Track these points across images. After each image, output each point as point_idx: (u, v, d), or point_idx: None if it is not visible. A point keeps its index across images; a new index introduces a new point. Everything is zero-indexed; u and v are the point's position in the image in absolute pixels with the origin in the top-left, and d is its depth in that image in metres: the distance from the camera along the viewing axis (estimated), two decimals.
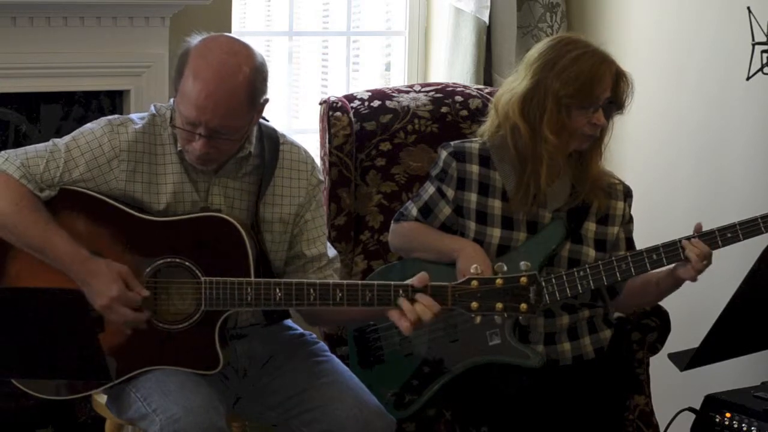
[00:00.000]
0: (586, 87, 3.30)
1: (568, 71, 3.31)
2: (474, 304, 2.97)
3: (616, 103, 3.36)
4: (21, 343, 2.61)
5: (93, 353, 2.63)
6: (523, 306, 2.95)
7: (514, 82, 3.40)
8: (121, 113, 3.98)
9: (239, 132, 3.05)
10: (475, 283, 2.97)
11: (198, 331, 3.07)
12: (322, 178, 3.28)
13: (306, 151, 3.27)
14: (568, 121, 3.32)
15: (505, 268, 2.99)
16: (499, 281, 2.96)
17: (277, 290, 3.04)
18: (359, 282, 3.06)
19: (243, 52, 3.03)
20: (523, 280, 2.95)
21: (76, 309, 2.58)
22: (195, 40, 3.07)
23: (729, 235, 3.31)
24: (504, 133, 3.40)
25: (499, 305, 2.96)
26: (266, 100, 3.08)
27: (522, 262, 2.99)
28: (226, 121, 3.00)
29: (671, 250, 3.32)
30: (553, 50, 3.36)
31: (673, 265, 3.34)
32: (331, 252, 3.28)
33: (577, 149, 3.38)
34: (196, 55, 3.02)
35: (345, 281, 3.06)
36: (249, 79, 3.01)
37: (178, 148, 3.11)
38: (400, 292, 3.00)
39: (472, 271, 2.99)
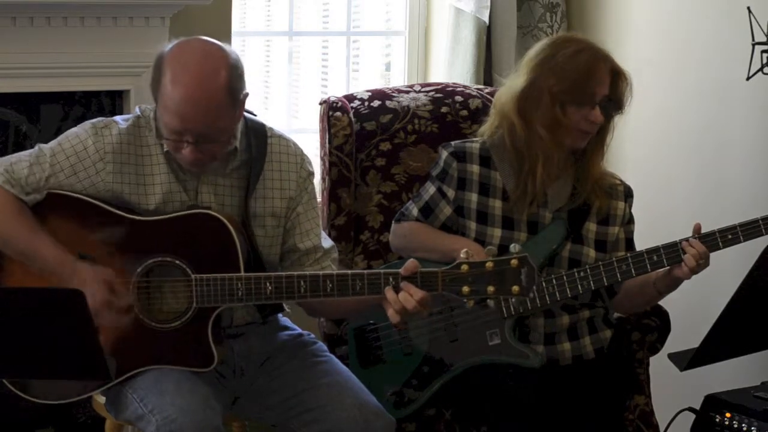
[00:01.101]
0: (580, 83, 3.31)
1: (564, 67, 3.32)
2: (465, 289, 2.96)
3: (615, 102, 3.36)
4: (20, 344, 2.61)
5: (93, 353, 2.62)
6: (515, 288, 2.93)
7: (513, 81, 3.41)
8: (121, 113, 3.98)
9: (226, 132, 3.06)
10: (465, 267, 2.95)
11: (191, 328, 3.08)
12: (312, 169, 3.27)
13: (295, 144, 3.27)
14: (563, 117, 3.32)
15: (496, 251, 2.98)
16: (489, 264, 2.94)
17: (268, 284, 3.04)
18: (349, 272, 3.06)
19: (216, 53, 3.03)
20: (514, 262, 2.93)
21: (76, 309, 2.57)
22: (167, 47, 3.06)
23: (730, 236, 3.31)
24: (503, 131, 3.41)
25: (491, 288, 2.94)
26: (246, 95, 3.08)
27: (512, 245, 2.98)
28: (212, 125, 3.00)
29: (672, 252, 3.32)
30: (550, 48, 3.37)
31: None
32: (327, 243, 3.27)
33: (573, 147, 3.38)
34: (171, 64, 3.01)
35: (335, 272, 3.06)
36: (227, 79, 3.00)
37: (165, 149, 3.10)
38: (390, 280, 3.00)
39: (462, 255, 2.98)
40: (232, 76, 3.01)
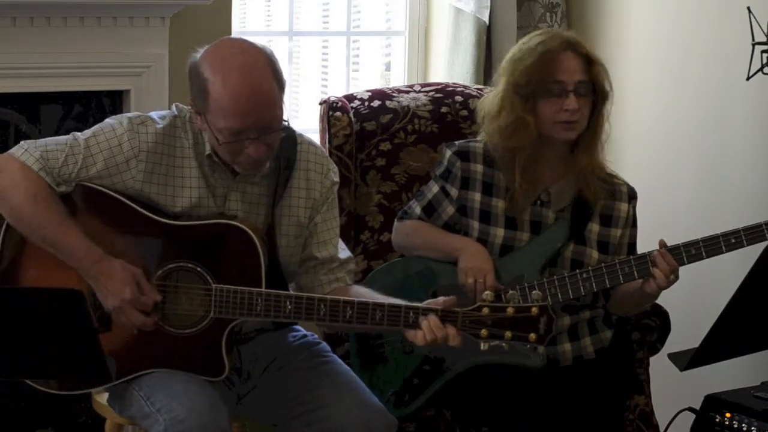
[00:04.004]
0: (540, 73, 3.29)
1: (524, 61, 3.31)
2: (483, 332, 2.95)
3: (597, 87, 3.33)
4: (21, 344, 2.61)
5: (93, 353, 2.62)
6: (532, 336, 2.93)
7: (495, 86, 3.43)
8: (121, 113, 3.97)
9: (281, 120, 3.04)
10: (486, 310, 2.95)
11: (205, 337, 3.06)
12: (336, 179, 3.25)
13: (323, 151, 3.26)
14: (528, 114, 3.29)
15: (518, 296, 2.98)
16: (510, 310, 2.94)
17: (288, 303, 3.02)
18: (370, 301, 3.03)
19: (250, 46, 3.05)
20: (534, 310, 2.93)
21: (76, 309, 2.57)
22: (197, 56, 3.05)
23: (733, 240, 3.31)
24: (487, 136, 3.42)
25: (508, 334, 2.94)
26: (285, 80, 3.08)
27: (534, 292, 2.99)
28: (271, 114, 3.00)
29: (675, 254, 3.31)
30: (517, 46, 3.39)
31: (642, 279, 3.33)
32: (344, 254, 3.25)
33: (562, 138, 3.34)
34: (211, 68, 2.99)
35: (356, 299, 3.04)
36: (270, 67, 3.01)
37: (207, 152, 3.09)
38: (411, 314, 2.99)
39: (483, 297, 2.97)
40: (273, 63, 3.03)
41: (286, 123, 3.13)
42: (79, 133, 3.12)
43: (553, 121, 3.31)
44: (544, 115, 3.31)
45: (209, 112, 3.01)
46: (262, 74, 2.99)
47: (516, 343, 2.95)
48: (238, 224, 3.07)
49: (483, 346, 2.96)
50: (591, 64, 3.33)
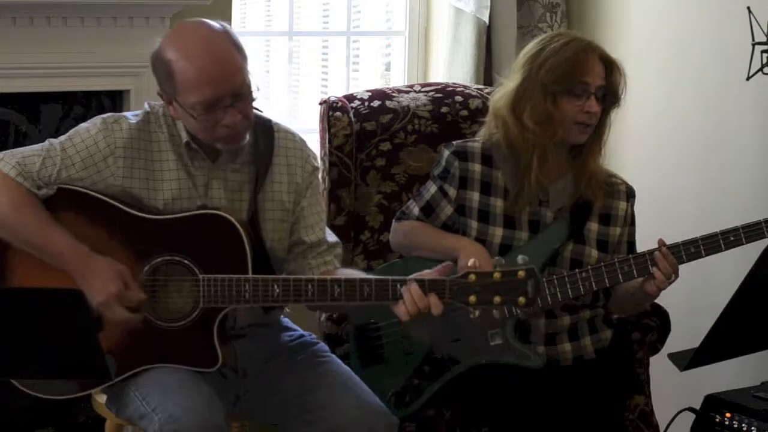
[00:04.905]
0: (569, 72, 3.31)
1: (551, 59, 3.33)
2: (472, 298, 2.96)
3: (612, 93, 3.35)
4: (20, 344, 2.61)
5: (92, 352, 2.62)
6: (522, 300, 2.94)
7: (506, 84, 3.43)
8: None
9: (250, 87, 3.06)
10: (472, 277, 2.96)
11: (197, 328, 3.08)
12: (316, 164, 3.28)
13: (301, 138, 3.28)
14: (555, 110, 3.32)
15: (503, 261, 2.98)
16: (496, 275, 2.95)
17: (275, 286, 3.04)
18: (357, 278, 3.06)
19: (204, 21, 3.10)
20: (521, 273, 2.94)
21: (76, 309, 2.58)
22: (156, 46, 3.09)
23: (732, 238, 3.31)
24: (498, 133, 3.41)
25: (498, 299, 2.95)
26: (245, 52, 3.12)
27: (519, 256, 2.98)
28: (239, 79, 3.02)
29: (675, 253, 3.31)
30: (538, 44, 3.40)
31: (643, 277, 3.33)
32: (331, 238, 3.28)
33: (573, 141, 3.37)
34: (173, 50, 3.04)
35: (343, 277, 3.06)
36: (229, 37, 3.06)
37: (185, 140, 3.11)
38: (398, 286, 3.00)
39: (469, 264, 2.98)
40: (230, 34, 3.07)
41: (261, 112, 3.17)
42: (54, 139, 3.15)
43: (573, 121, 3.33)
44: (564, 114, 3.32)
45: (178, 92, 3.03)
46: (222, 44, 3.03)
47: (506, 309, 2.95)
48: (221, 213, 3.09)
49: (473, 313, 2.97)
50: (611, 71, 3.35)
